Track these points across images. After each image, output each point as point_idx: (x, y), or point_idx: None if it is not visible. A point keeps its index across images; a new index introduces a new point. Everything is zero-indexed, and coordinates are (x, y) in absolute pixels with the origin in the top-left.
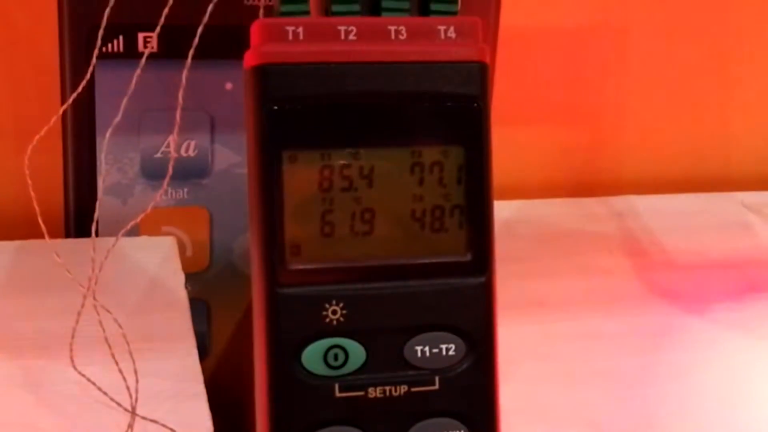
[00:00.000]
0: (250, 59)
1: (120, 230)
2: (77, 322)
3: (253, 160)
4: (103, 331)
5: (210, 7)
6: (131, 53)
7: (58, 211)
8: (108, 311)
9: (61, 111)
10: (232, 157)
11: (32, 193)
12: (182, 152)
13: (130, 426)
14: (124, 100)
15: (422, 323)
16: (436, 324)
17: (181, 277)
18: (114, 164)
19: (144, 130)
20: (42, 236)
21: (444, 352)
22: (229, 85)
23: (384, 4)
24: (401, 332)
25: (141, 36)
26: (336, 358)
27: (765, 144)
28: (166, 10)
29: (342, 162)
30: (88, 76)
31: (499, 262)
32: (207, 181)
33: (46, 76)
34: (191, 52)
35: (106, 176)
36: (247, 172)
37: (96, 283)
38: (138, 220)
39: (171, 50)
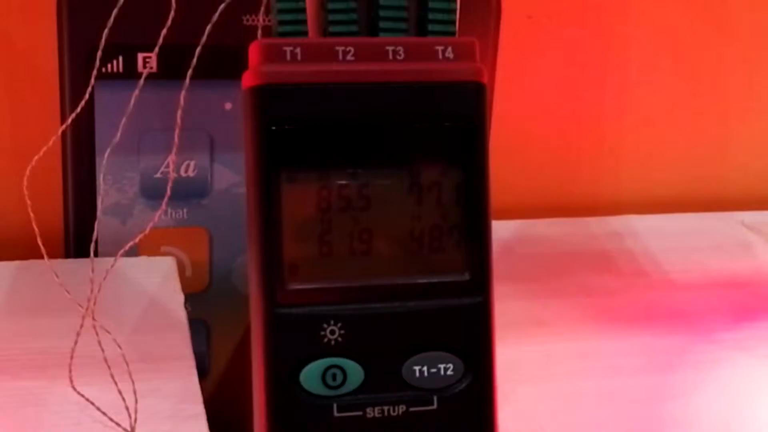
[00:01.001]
0: (248, 79)
1: (119, 250)
2: (76, 342)
3: (252, 179)
4: (102, 351)
5: (208, 28)
6: (131, 73)
7: (57, 231)
8: (107, 331)
9: (59, 131)
10: (232, 177)
11: (31, 214)
12: (182, 172)
13: None
14: (123, 120)
15: (420, 343)
16: (434, 343)
17: (181, 298)
18: (114, 184)
19: (143, 151)
20: (41, 256)
21: (442, 372)
22: (228, 105)
23: (382, 25)
24: (399, 352)
25: (140, 56)
26: (334, 377)
27: (765, 164)
28: (164, 31)
29: (340, 182)
30: (87, 96)
31: (498, 282)
32: (206, 201)
33: (46, 96)
34: (189, 72)
35: (105, 196)
36: (245, 192)
37: (95, 304)
38: (137, 240)
39: (170, 70)
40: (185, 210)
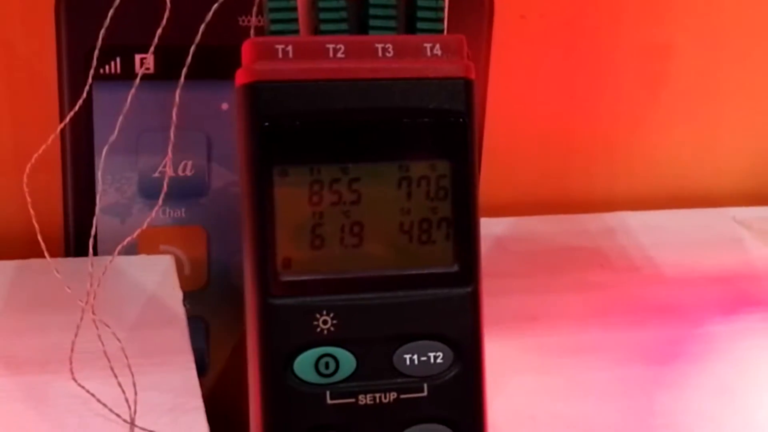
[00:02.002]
0: (241, 77)
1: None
2: (76, 335)
3: (245, 175)
4: (102, 344)
5: (201, 28)
6: (128, 74)
7: (57, 230)
8: (106, 325)
9: (58, 130)
10: (229, 176)
11: (32, 212)
12: (179, 172)
13: None
14: (120, 119)
15: (411, 332)
16: (424, 333)
17: (179, 295)
18: (112, 184)
19: (142, 151)
20: (42, 255)
21: (432, 360)
22: (225, 105)
23: (371, 23)
24: (390, 341)
25: (138, 57)
26: (327, 366)
27: (755, 160)
28: (159, 31)
29: (331, 177)
30: (84, 95)
31: (493, 278)
32: (204, 200)
33: (46, 97)
34: (184, 71)
35: (104, 196)
36: (239, 187)
37: (95, 299)
38: (134, 236)
39: (168, 71)
40: (183, 209)
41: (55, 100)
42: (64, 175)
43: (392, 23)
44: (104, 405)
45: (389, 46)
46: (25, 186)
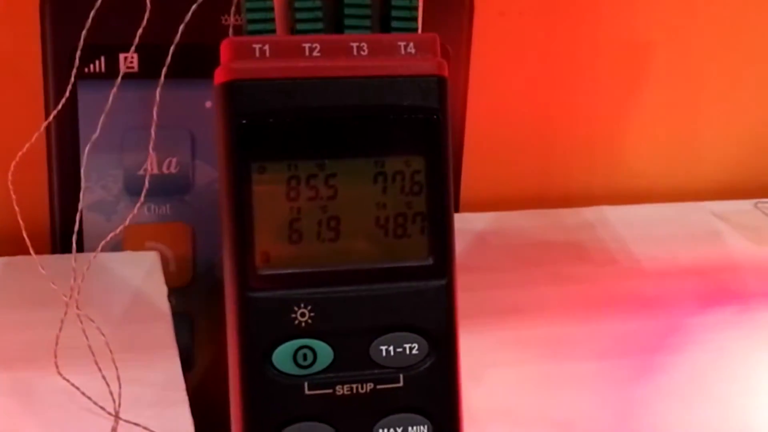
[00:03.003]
0: (220, 76)
1: (105, 246)
2: (60, 329)
3: (224, 171)
4: (87, 339)
5: (181, 28)
6: (112, 73)
7: (43, 227)
8: (91, 320)
9: (42, 127)
10: (213, 173)
11: (17, 209)
12: (164, 169)
13: (114, 430)
14: (102, 117)
15: (387, 324)
16: (400, 324)
17: (164, 291)
18: (98, 182)
19: (126, 149)
20: (28, 253)
21: (408, 351)
22: (208, 103)
23: (346, 22)
24: (367, 333)
25: (122, 56)
26: (305, 357)
27: (733, 154)
28: (140, 31)
29: (308, 172)
30: (68, 93)
31: (474, 272)
32: (189, 197)
33: (31, 96)
34: (164, 71)
35: (90, 193)
36: (218, 184)
37: (79, 294)
38: (118, 231)
39: (151, 70)
40: (168, 206)
41: (41, 99)
42: (49, 172)
43: (367, 22)
44: (89, 398)
45: (364, 44)
46: (10, 184)
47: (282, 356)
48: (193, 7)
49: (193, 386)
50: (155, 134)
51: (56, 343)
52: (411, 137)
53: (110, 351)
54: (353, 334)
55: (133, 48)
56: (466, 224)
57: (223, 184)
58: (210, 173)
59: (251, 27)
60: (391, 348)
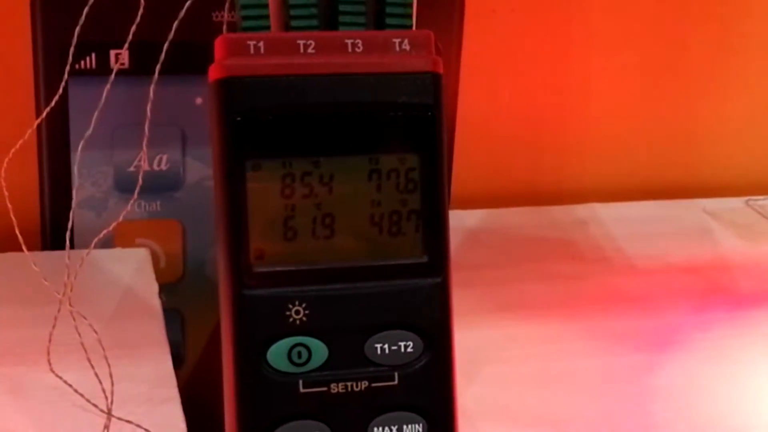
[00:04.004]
0: (214, 73)
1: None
2: (54, 326)
3: (218, 169)
4: (79, 336)
5: (175, 25)
6: (103, 70)
7: (34, 224)
8: (83, 317)
9: (35, 124)
10: (204, 170)
11: (9, 205)
12: (154, 166)
13: (106, 427)
14: (96, 114)
15: (381, 322)
16: (394, 322)
17: (155, 287)
18: (88, 178)
19: (117, 145)
20: (18, 249)
21: (402, 349)
22: (199, 100)
23: (341, 19)
24: (361, 330)
25: (113, 53)
26: (300, 355)
27: (726, 152)
28: (133, 28)
29: (303, 170)
30: (61, 90)
31: (465, 269)
32: (179, 193)
33: (21, 92)
34: (158, 68)
35: (80, 190)
36: (213, 181)
37: (72, 291)
38: (111, 228)
39: (142, 66)
40: (158, 202)
41: (31, 95)
42: (40, 169)
43: (361, 19)
44: (81, 395)
45: (359, 41)
46: (2, 180)
47: (277, 354)
48: (187, 4)
49: (183, 382)
50: (145, 128)
51: (49, 341)
52: (406, 134)
53: (102, 348)
54: (348, 332)
55: (126, 45)
56: (457, 221)
57: (217, 181)
58: (200, 170)
59: (246, 24)
60: (386, 346)
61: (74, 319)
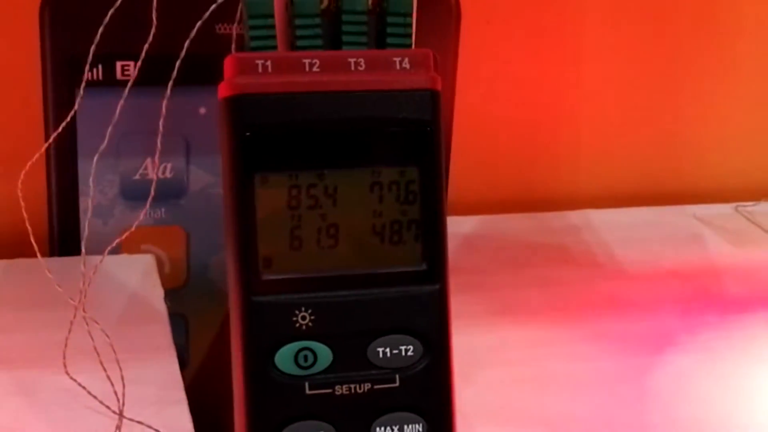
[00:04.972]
0: (224, 90)
1: (102, 249)
2: (70, 331)
3: (228, 182)
4: (92, 340)
5: (186, 43)
6: (110, 81)
7: (42, 232)
8: (96, 323)
9: (51, 138)
10: (207, 178)
11: (25, 215)
12: (159, 174)
13: (118, 428)
14: (110, 129)
15: (383, 327)
16: (395, 327)
17: (161, 293)
18: (95, 186)
19: (122, 154)
20: (27, 255)
21: (403, 353)
22: (202, 110)
23: (344, 39)
24: (364, 335)
25: (119, 64)
26: (306, 359)
27: (715, 160)
28: (146, 46)
29: (308, 182)
30: (76, 106)
31: (460, 274)
32: (183, 201)
33: (30, 104)
34: (170, 84)
35: (87, 198)
36: (222, 193)
37: (86, 297)
38: (123, 237)
39: (147, 78)
40: (163, 210)
41: (40, 107)
42: (48, 178)
43: (364, 39)
44: (95, 397)
45: (361, 60)
46: (19, 191)
47: (284, 357)
48: (199, 23)
49: (187, 383)
50: (157, 142)
51: (65, 345)
52: (405, 149)
53: (114, 352)
54: (351, 337)
55: (139, 62)
56: (452, 227)
57: (226, 193)
58: (203, 178)
59: (254, 44)
60: (388, 350)
61: (87, 324)
